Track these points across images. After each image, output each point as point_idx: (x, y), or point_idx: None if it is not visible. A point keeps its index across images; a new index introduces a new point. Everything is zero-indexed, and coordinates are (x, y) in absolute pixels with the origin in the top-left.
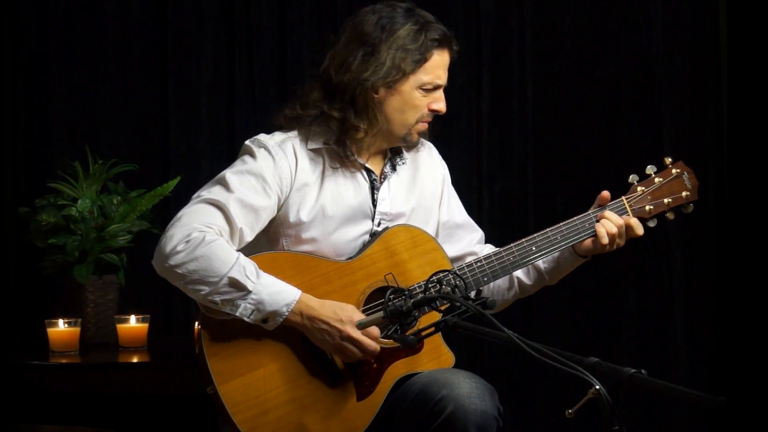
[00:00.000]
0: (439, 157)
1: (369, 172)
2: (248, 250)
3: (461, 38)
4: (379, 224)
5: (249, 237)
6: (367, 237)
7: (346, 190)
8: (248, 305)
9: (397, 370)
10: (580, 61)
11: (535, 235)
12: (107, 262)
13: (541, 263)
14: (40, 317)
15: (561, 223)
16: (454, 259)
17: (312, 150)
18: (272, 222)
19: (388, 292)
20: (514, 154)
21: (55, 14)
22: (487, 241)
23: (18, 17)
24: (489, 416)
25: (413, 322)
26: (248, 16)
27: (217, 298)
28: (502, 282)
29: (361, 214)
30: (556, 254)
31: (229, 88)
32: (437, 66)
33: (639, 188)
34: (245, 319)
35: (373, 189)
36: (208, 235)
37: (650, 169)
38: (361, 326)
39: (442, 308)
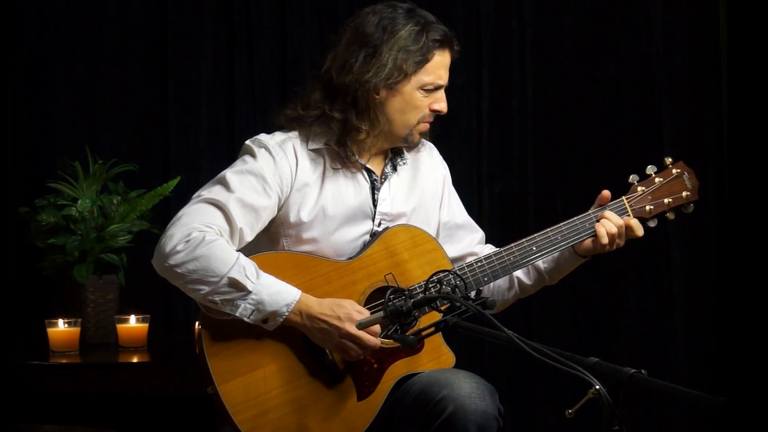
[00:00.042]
0: (440, 158)
1: (370, 172)
2: (249, 249)
3: (461, 38)
4: (379, 224)
5: (249, 237)
6: (367, 237)
7: (347, 190)
8: (248, 305)
9: (397, 370)
10: (580, 61)
11: (536, 235)
12: (107, 262)
13: (541, 263)
14: (40, 317)
15: (561, 223)
16: (454, 260)
17: (313, 150)
18: (273, 222)
19: (388, 292)
20: (514, 154)
21: (55, 14)
22: (487, 242)
23: (18, 17)
24: (489, 416)
25: (413, 322)
26: (248, 16)
27: (217, 298)
28: (502, 282)
29: (362, 215)
30: (556, 254)
31: (229, 88)
32: (438, 66)
33: (639, 188)
34: (245, 319)
35: (374, 189)
36: (208, 234)
37: (650, 169)
38: (361, 326)
39: (443, 308)
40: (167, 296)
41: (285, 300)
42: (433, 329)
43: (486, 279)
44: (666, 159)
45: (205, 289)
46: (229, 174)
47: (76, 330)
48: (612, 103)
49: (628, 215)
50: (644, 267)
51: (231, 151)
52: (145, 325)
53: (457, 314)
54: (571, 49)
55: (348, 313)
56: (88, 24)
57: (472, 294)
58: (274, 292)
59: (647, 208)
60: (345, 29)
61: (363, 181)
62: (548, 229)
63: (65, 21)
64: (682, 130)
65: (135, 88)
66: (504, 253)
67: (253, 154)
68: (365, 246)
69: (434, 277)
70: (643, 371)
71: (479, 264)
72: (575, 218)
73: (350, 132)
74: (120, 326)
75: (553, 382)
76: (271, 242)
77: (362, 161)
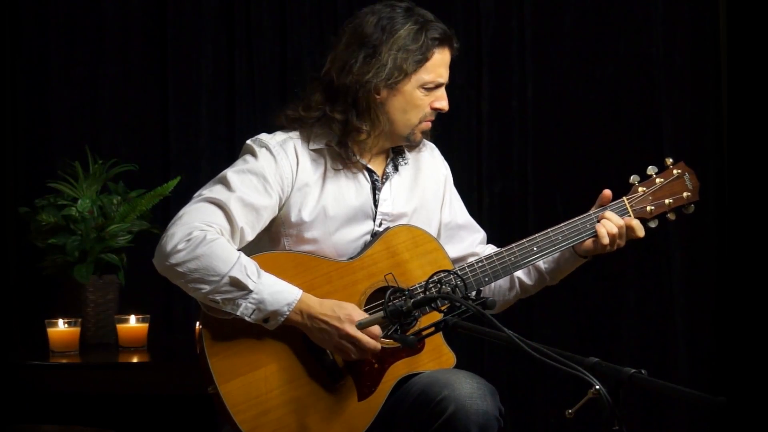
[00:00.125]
0: (441, 158)
1: (371, 172)
2: (250, 249)
3: (461, 38)
4: (380, 225)
5: (250, 236)
6: (368, 237)
7: (348, 190)
8: (249, 305)
9: (398, 370)
10: (580, 61)
11: (536, 235)
12: (107, 262)
13: (541, 263)
14: (40, 317)
15: (562, 224)
16: (456, 260)
17: (314, 150)
18: (273, 221)
19: (389, 292)
20: (514, 154)
21: (55, 14)
22: (487, 242)
23: (18, 17)
24: (490, 416)
25: (413, 322)
26: (248, 16)
27: (218, 297)
28: (503, 282)
29: (363, 215)
30: (556, 254)
31: (229, 88)
32: (438, 65)
33: (640, 189)
34: (246, 318)
35: (375, 189)
36: (209, 234)
37: (651, 170)
38: (361, 326)
39: (443, 308)
40: (167, 296)
41: (286, 299)
42: (433, 329)
43: (487, 279)
44: (667, 159)
45: (206, 288)
46: (230, 173)
47: (76, 330)
48: (612, 103)
49: (629, 216)
50: (644, 267)
51: (231, 151)
52: (145, 325)
53: (457, 314)
54: (571, 49)
55: (349, 314)
56: (88, 24)
57: (473, 294)
58: (275, 291)
59: (648, 208)
60: (344, 30)
61: (364, 182)
62: (549, 230)
63: (65, 21)
64: (682, 130)
65: (135, 88)
66: (504, 254)
67: (254, 154)
68: (366, 246)
69: (434, 277)
70: (643, 371)
71: (480, 264)
72: (576, 218)
73: (351, 132)
74: (120, 326)
75: (553, 382)
76: (272, 242)
77: (363, 161)
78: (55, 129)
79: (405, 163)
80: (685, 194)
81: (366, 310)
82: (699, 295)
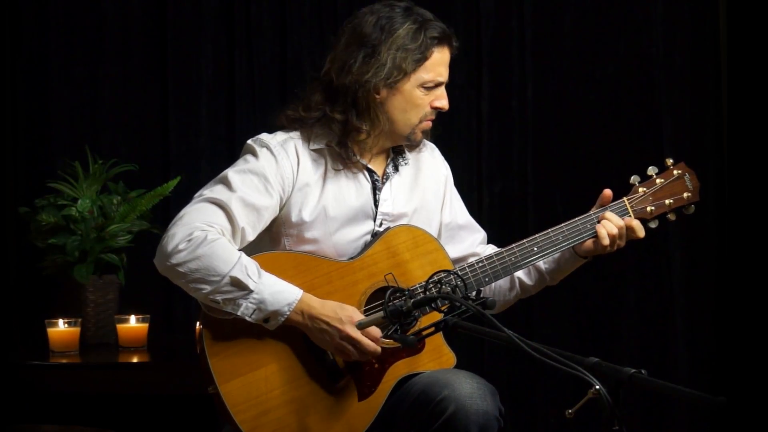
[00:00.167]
0: (442, 158)
1: (371, 172)
2: (250, 249)
3: (461, 38)
4: (380, 225)
5: (251, 236)
6: (368, 237)
7: (348, 190)
8: (250, 304)
9: (398, 370)
10: (580, 61)
11: (537, 235)
12: (107, 262)
13: (542, 264)
14: (40, 317)
15: (562, 224)
16: (457, 260)
17: (314, 150)
18: (274, 221)
19: (389, 292)
20: (514, 154)
21: (55, 14)
22: (487, 242)
23: (18, 17)
24: (490, 417)
25: (413, 322)
26: (248, 16)
27: (219, 297)
28: (503, 283)
29: (363, 215)
30: (557, 255)
31: (229, 88)
32: (438, 63)
33: (640, 189)
34: (247, 318)
35: (375, 189)
36: (210, 234)
37: (651, 170)
38: (361, 326)
39: (443, 308)
40: (167, 296)
41: (287, 299)
42: (433, 329)
43: (487, 279)
44: (667, 160)
45: (207, 288)
46: (231, 173)
47: (76, 330)
48: (612, 103)
49: (630, 216)
50: (644, 267)
51: (231, 151)
52: (145, 325)
53: (457, 314)
54: (571, 49)
55: (350, 315)
56: (88, 24)
57: (473, 294)
58: (276, 291)
59: (648, 209)
60: (343, 30)
61: (364, 182)
62: (549, 230)
63: (65, 21)
64: (682, 130)
65: (135, 88)
66: (505, 254)
67: (254, 154)
68: (366, 246)
69: (435, 277)
70: (643, 371)
71: (480, 264)
72: (576, 219)
73: (351, 132)
74: (120, 326)
75: (553, 382)
76: (272, 242)
77: (364, 161)
78: (55, 129)
79: (405, 163)
80: (685, 195)
81: (366, 310)
82: (699, 295)
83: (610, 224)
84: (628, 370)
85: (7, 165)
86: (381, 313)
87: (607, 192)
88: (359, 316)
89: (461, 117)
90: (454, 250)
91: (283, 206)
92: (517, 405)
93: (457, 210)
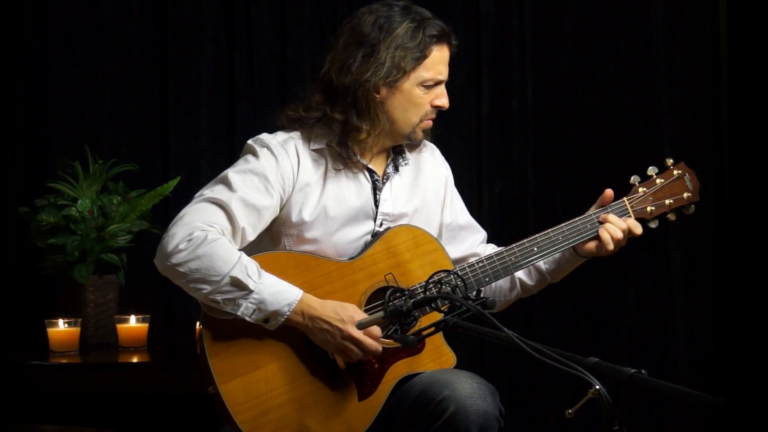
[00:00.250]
0: (442, 158)
1: (371, 172)
2: (251, 249)
3: (461, 38)
4: (381, 225)
5: (251, 236)
6: (369, 237)
7: (349, 190)
8: (250, 305)
9: (398, 370)
10: (580, 61)
11: (537, 235)
12: (107, 262)
13: (542, 264)
14: (40, 317)
15: (562, 224)
16: (457, 261)
17: (314, 150)
18: (274, 221)
19: (389, 292)
20: (514, 154)
21: (55, 14)
22: (487, 242)
23: (18, 17)
24: (491, 417)
25: (413, 322)
26: (248, 16)
27: (219, 297)
28: (504, 283)
29: (363, 215)
30: (557, 255)
31: (229, 88)
32: (437, 62)
33: (640, 189)
34: (247, 318)
35: (376, 189)
36: (210, 234)
37: (652, 170)
38: (362, 326)
39: (443, 308)
40: (167, 296)
41: (287, 299)
42: (433, 329)
43: (487, 279)
44: (667, 160)
45: (207, 288)
46: (232, 173)
47: (76, 330)
48: (612, 103)
49: (630, 216)
50: (644, 267)
51: (231, 151)
52: (145, 325)
53: (457, 314)
54: (571, 49)
55: (351, 315)
56: (88, 24)
57: (473, 294)
58: (276, 291)
59: (648, 209)
60: (342, 30)
61: (365, 182)
62: (549, 230)
63: (65, 21)
64: (682, 130)
65: (135, 89)
66: (505, 254)
67: (255, 154)
68: (367, 246)
69: (435, 277)
70: (643, 371)
71: (480, 264)
72: (576, 219)
73: (351, 132)
74: (120, 326)
75: (553, 382)
76: (272, 242)
77: (364, 161)
78: (55, 129)
79: (406, 164)
80: (685, 195)
81: (366, 310)
82: (699, 295)
83: (613, 227)
84: (628, 370)
85: (7, 165)
86: (381, 313)
87: (609, 192)
88: (360, 316)
89: (461, 117)
90: (455, 251)
91: (284, 206)
92: (517, 405)
93: (457, 210)
